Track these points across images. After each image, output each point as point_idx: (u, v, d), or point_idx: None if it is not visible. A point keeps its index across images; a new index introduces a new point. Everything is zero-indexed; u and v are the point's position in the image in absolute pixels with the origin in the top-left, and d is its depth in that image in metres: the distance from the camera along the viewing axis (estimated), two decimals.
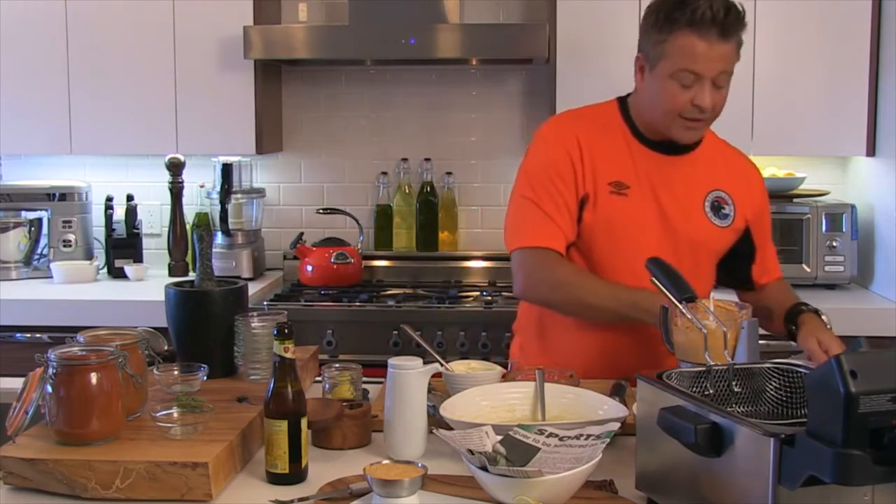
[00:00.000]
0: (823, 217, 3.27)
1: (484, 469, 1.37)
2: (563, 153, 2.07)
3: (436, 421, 1.66)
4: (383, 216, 3.74)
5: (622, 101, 2.17)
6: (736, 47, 2.01)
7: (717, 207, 2.13)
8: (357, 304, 3.18)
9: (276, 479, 1.56)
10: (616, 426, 1.43)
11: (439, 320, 3.11)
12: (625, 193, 2.06)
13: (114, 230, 3.62)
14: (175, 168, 3.51)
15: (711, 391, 1.47)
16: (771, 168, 3.44)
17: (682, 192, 2.11)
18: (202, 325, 1.99)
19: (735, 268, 2.25)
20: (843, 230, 3.27)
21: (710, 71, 1.97)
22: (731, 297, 2.15)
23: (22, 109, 3.44)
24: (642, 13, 3.26)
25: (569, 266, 2.08)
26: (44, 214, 3.60)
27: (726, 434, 1.26)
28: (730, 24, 1.95)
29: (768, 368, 1.49)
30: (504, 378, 1.86)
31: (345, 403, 1.76)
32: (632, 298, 1.98)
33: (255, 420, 1.70)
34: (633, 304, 1.97)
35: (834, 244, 3.26)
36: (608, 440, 1.40)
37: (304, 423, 1.57)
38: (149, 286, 3.41)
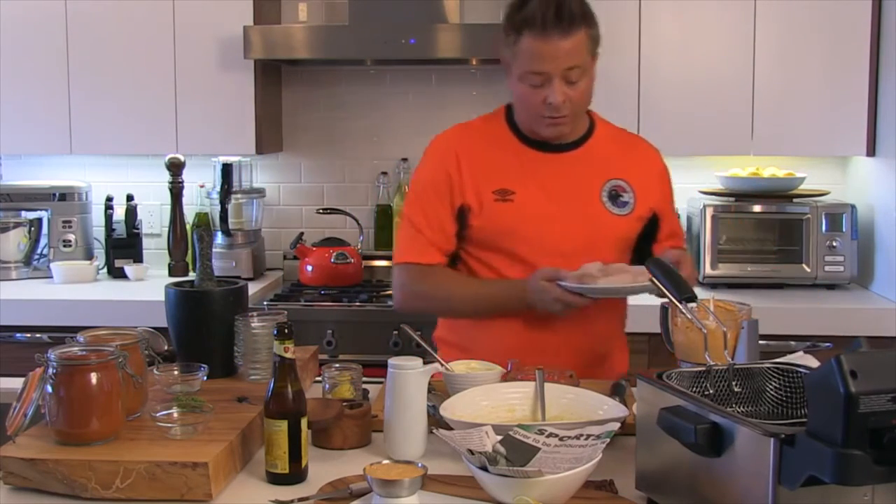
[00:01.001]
0: (823, 217, 3.27)
1: (484, 469, 1.37)
2: (440, 169, 2.14)
3: (436, 421, 1.66)
4: (383, 216, 3.74)
5: (509, 108, 2.20)
6: (585, 40, 2.02)
7: (614, 196, 2.14)
8: (357, 304, 3.18)
9: (276, 479, 1.56)
10: (616, 426, 1.43)
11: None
12: (510, 199, 2.10)
13: (114, 230, 3.62)
14: (175, 168, 3.51)
15: (711, 391, 1.47)
16: (771, 168, 3.44)
17: (578, 186, 2.12)
18: (202, 325, 1.99)
19: (642, 248, 2.23)
20: (843, 230, 3.27)
21: (555, 69, 1.99)
22: (731, 296, 2.15)
23: (22, 109, 3.44)
24: (641, 13, 3.30)
25: (433, 278, 2.14)
26: (44, 214, 3.60)
27: (726, 434, 1.26)
28: (566, 20, 1.97)
29: (768, 368, 1.49)
30: (504, 378, 1.86)
31: (345, 403, 1.76)
32: (498, 296, 2.08)
33: (255, 420, 1.70)
34: (507, 300, 2.06)
35: (834, 244, 3.26)
36: (608, 440, 1.40)
37: (304, 423, 1.57)
38: (149, 286, 3.41)
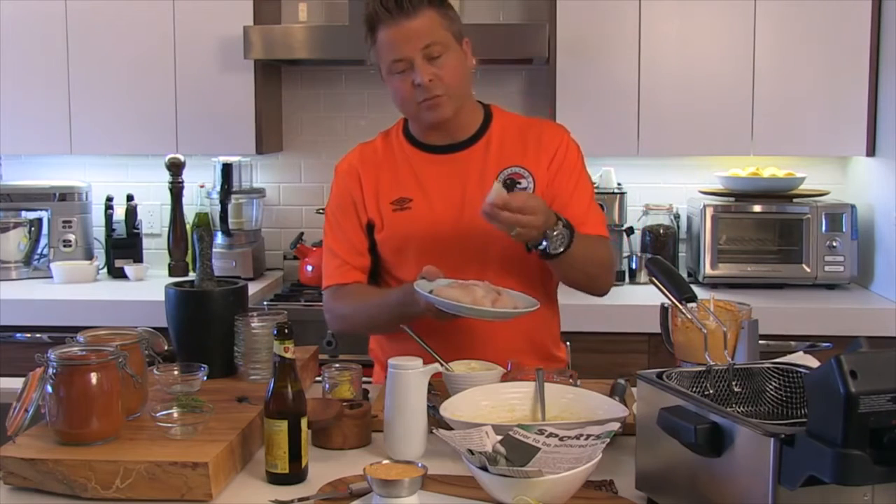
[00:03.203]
0: (823, 217, 3.27)
1: (484, 469, 1.37)
2: (344, 191, 2.18)
3: (436, 421, 1.66)
4: None
5: (406, 119, 2.20)
6: (436, 17, 2.00)
7: (510, 184, 2.09)
8: None
9: (276, 479, 1.56)
10: (616, 426, 1.43)
11: None
12: (408, 207, 2.11)
13: (114, 230, 3.62)
14: (175, 168, 3.51)
15: (711, 391, 1.47)
16: (771, 168, 3.44)
17: (475, 182, 2.10)
18: (202, 325, 1.99)
19: None
20: (843, 230, 3.27)
21: (412, 50, 1.99)
22: (731, 296, 2.15)
23: (22, 109, 3.44)
24: (641, 13, 3.30)
25: (344, 297, 2.15)
26: (44, 214, 3.60)
27: (726, 434, 1.26)
28: (405, 3, 1.97)
29: (768, 368, 1.49)
30: (504, 378, 1.86)
31: (345, 403, 1.76)
32: (390, 303, 2.03)
33: (255, 420, 1.70)
34: (397, 307, 2.00)
35: (834, 244, 3.26)
36: (608, 440, 1.40)
37: (304, 423, 1.57)
38: (149, 286, 3.41)
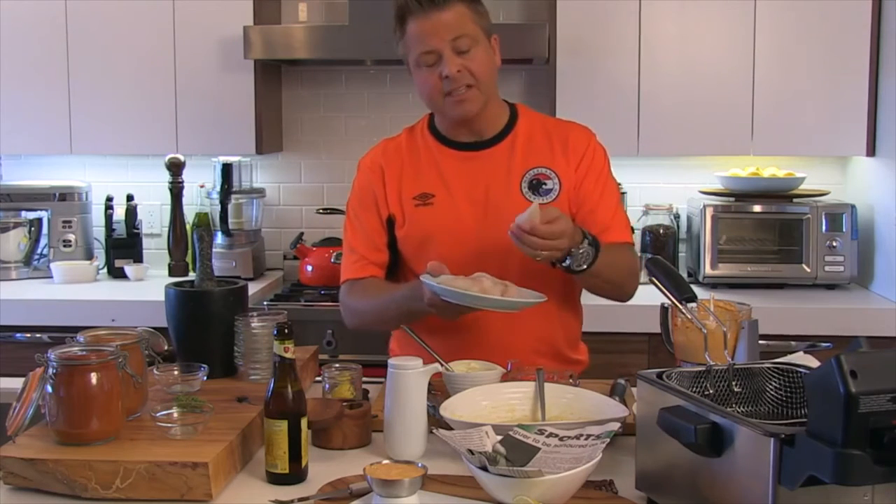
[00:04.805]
0: (823, 217, 3.27)
1: (484, 469, 1.38)
2: (366, 184, 2.17)
3: (436, 421, 1.66)
4: None
5: (432, 115, 2.20)
6: (466, 12, 2.01)
7: (536, 185, 2.09)
8: None
9: (276, 479, 1.56)
10: (616, 426, 1.43)
11: None
12: (430, 203, 2.11)
13: (114, 230, 3.62)
14: (175, 168, 3.51)
15: (711, 391, 1.47)
16: (771, 168, 3.44)
17: (500, 182, 2.10)
18: (202, 325, 1.99)
19: None
20: (843, 230, 3.27)
21: (441, 42, 2.00)
22: (731, 296, 2.15)
23: (22, 109, 3.44)
24: (641, 13, 3.30)
25: (358, 291, 2.16)
26: (44, 214, 3.60)
27: (726, 434, 1.26)
28: None
29: (768, 368, 1.49)
30: (504, 378, 1.86)
31: (345, 403, 1.76)
32: (399, 298, 2.03)
33: (255, 420, 1.70)
34: (405, 302, 2.00)
35: (834, 244, 3.26)
36: (608, 440, 1.40)
37: (304, 423, 1.58)
38: (149, 286, 3.41)
